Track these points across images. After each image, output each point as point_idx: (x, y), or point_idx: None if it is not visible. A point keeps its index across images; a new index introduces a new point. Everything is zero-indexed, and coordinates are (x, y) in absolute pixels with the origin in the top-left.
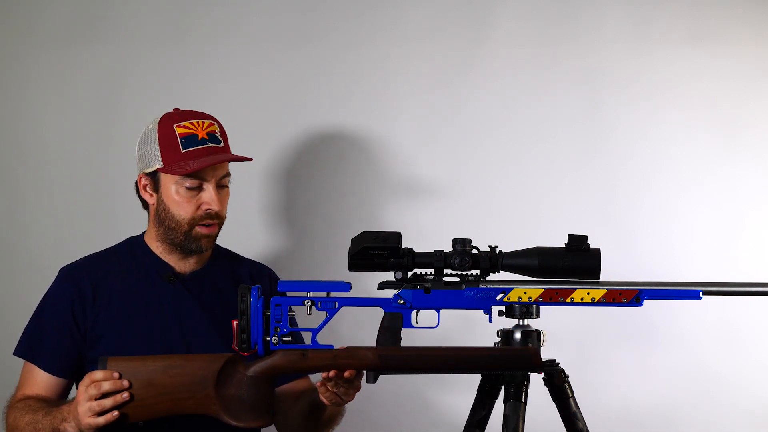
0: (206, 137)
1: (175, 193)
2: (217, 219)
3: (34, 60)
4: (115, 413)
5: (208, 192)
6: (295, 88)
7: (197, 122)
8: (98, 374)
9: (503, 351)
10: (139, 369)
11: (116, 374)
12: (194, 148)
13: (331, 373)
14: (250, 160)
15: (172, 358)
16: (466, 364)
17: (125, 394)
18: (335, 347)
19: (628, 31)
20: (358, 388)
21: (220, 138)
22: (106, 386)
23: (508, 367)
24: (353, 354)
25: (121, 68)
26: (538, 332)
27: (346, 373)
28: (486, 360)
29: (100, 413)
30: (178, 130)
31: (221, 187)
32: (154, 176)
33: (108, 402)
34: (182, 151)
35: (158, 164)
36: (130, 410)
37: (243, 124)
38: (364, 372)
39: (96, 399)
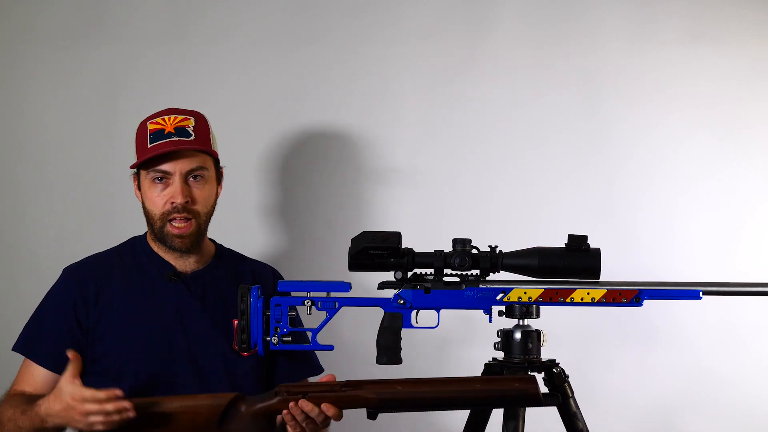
0: (173, 131)
1: (147, 188)
2: (186, 213)
3: (34, 60)
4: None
5: (174, 185)
6: (294, 88)
7: (168, 117)
8: (101, 394)
9: (505, 390)
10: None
11: (119, 392)
12: (159, 141)
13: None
14: (213, 154)
15: (180, 399)
16: (470, 402)
17: (131, 413)
18: (335, 348)
19: (628, 31)
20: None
21: (191, 132)
22: (109, 407)
23: (510, 403)
24: (353, 398)
25: (121, 68)
26: (538, 332)
27: (326, 410)
28: (488, 399)
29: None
30: (150, 126)
31: (195, 181)
32: (138, 174)
33: (115, 417)
34: (149, 146)
35: (135, 161)
36: None
37: (243, 124)
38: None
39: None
